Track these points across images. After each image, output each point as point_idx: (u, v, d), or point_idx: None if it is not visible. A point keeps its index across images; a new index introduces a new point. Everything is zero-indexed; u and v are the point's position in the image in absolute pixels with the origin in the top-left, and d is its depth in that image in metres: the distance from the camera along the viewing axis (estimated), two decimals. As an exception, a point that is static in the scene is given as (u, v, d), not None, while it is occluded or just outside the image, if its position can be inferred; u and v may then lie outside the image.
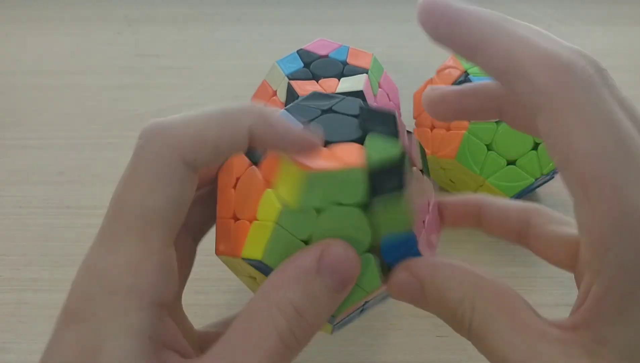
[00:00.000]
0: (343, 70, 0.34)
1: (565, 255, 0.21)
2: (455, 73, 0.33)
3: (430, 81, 0.35)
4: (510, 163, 0.32)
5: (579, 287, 0.18)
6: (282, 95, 0.33)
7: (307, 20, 0.56)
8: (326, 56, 0.35)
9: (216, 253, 0.21)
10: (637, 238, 0.15)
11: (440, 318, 0.19)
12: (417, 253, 0.20)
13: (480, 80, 0.31)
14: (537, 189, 0.37)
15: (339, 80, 0.33)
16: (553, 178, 0.35)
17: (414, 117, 0.36)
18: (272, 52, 0.50)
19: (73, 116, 0.44)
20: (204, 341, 0.22)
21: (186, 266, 0.23)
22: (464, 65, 0.33)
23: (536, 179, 0.32)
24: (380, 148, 0.19)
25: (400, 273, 0.19)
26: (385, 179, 0.19)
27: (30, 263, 0.34)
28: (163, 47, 0.51)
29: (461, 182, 0.35)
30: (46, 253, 0.34)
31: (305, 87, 0.32)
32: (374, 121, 0.20)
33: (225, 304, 0.31)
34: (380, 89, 0.35)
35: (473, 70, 0.33)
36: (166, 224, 0.18)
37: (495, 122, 0.31)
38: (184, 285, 0.23)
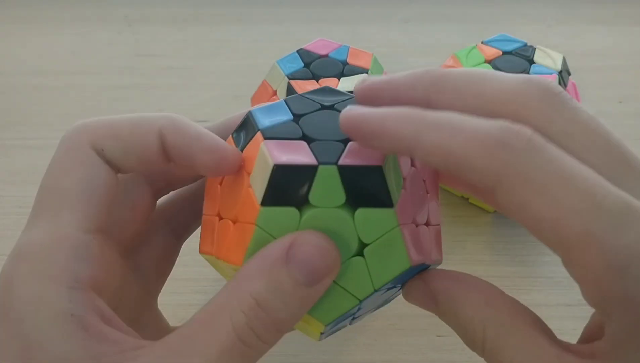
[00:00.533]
0: (343, 70, 0.34)
1: None
2: (455, 73, 0.33)
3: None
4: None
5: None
6: (282, 95, 0.33)
7: (307, 20, 0.56)
8: (326, 56, 0.35)
9: (199, 251, 0.21)
10: (633, 275, 0.15)
11: (462, 339, 0.19)
12: (425, 267, 0.19)
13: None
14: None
15: (339, 80, 0.33)
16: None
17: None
18: (272, 52, 0.50)
19: (73, 116, 0.44)
20: None
21: (166, 263, 0.23)
22: (464, 65, 0.33)
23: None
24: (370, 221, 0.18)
25: (416, 282, 0.19)
26: (368, 193, 0.18)
27: (30, 263, 0.34)
28: (163, 47, 0.51)
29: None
30: (46, 253, 0.34)
31: (305, 87, 0.32)
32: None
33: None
34: (380, 89, 0.35)
35: (473, 70, 0.33)
36: (78, 207, 0.18)
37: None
38: (163, 283, 0.23)
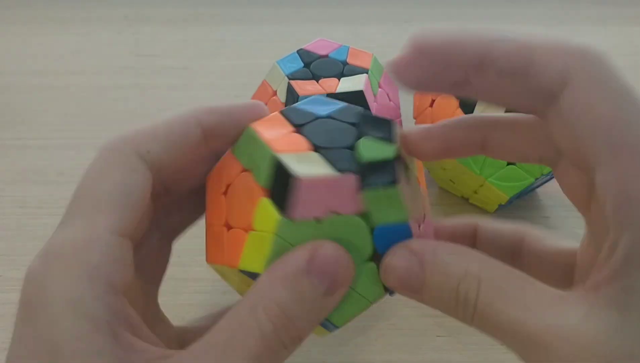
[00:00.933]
0: (343, 70, 0.34)
1: (561, 269, 0.20)
2: (455, 73, 0.33)
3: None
4: (510, 163, 0.32)
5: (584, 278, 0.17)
6: (282, 95, 0.33)
7: (307, 20, 0.56)
8: (326, 56, 0.35)
9: (207, 261, 0.21)
10: None
11: (439, 306, 0.18)
12: None
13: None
14: (537, 189, 0.37)
15: (339, 80, 0.33)
16: (553, 177, 0.35)
17: (414, 117, 0.36)
18: (272, 52, 0.50)
19: (73, 116, 0.44)
20: (183, 336, 0.22)
21: (162, 265, 0.23)
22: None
23: (536, 179, 0.32)
24: (372, 149, 0.18)
25: (399, 251, 0.18)
26: (376, 175, 0.18)
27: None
28: (163, 47, 0.51)
29: (461, 182, 0.35)
30: (46, 253, 0.34)
31: (305, 87, 0.32)
32: (371, 127, 0.19)
33: (225, 304, 0.31)
34: (380, 89, 0.35)
35: (473, 70, 0.33)
36: (115, 210, 0.18)
37: (495, 122, 0.31)
38: (160, 283, 0.23)
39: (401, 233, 0.18)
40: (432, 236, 0.21)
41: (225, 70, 0.49)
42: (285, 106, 0.33)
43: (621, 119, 0.16)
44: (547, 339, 0.16)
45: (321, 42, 0.36)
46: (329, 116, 0.20)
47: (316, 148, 0.18)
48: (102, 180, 0.18)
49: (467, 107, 0.31)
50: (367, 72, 0.34)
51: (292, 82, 0.32)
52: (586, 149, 0.16)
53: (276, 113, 0.20)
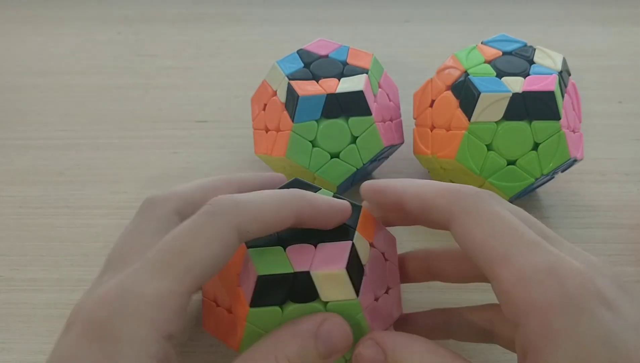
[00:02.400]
0: (343, 70, 0.34)
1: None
2: (455, 73, 0.33)
3: (430, 81, 0.35)
4: (510, 163, 0.32)
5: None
6: (282, 95, 0.33)
7: (307, 20, 0.56)
8: (326, 56, 0.35)
9: (203, 327, 0.26)
10: (538, 286, 0.20)
11: None
12: None
13: (481, 80, 0.31)
14: (537, 189, 0.37)
15: (339, 80, 0.33)
16: (553, 178, 0.35)
17: (414, 118, 0.36)
18: (272, 52, 0.50)
19: (73, 116, 0.44)
20: None
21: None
22: (464, 65, 0.33)
23: (536, 179, 0.32)
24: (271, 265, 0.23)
25: (367, 342, 0.23)
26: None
27: (30, 263, 0.34)
28: (163, 47, 0.51)
29: (461, 182, 0.35)
30: (46, 253, 0.34)
31: (305, 87, 0.32)
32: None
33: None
34: (380, 89, 0.35)
35: (473, 70, 0.33)
36: (200, 277, 0.21)
37: (496, 122, 0.31)
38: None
39: (350, 308, 0.23)
40: (396, 304, 0.26)
41: (225, 70, 0.49)
42: (285, 106, 0.33)
43: (489, 243, 0.21)
44: None
45: (321, 42, 0.36)
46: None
47: (283, 244, 0.24)
48: (202, 247, 0.21)
49: (467, 107, 0.31)
50: (367, 72, 0.34)
51: (292, 82, 0.32)
52: (480, 266, 0.21)
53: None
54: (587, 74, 0.47)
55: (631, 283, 0.32)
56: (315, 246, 0.24)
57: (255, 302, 0.23)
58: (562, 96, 0.32)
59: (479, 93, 0.31)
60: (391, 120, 0.35)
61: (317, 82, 0.33)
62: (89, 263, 0.33)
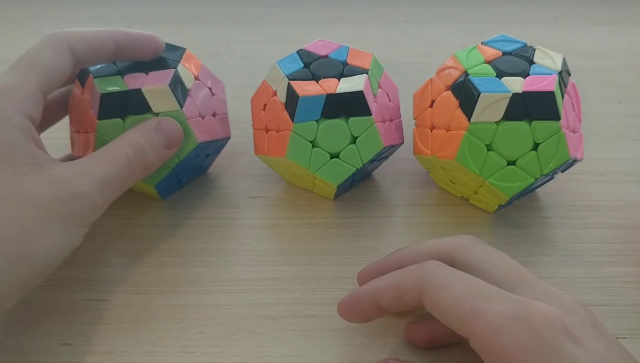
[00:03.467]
0: (343, 70, 0.34)
1: None
2: (455, 73, 0.33)
3: (430, 81, 0.35)
4: (510, 163, 0.32)
5: None
6: (282, 95, 0.33)
7: (307, 20, 0.56)
8: (326, 56, 0.35)
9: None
10: (508, 332, 0.22)
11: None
12: None
13: (481, 80, 0.31)
14: (537, 189, 0.37)
15: (339, 80, 0.33)
16: (553, 178, 0.35)
17: (414, 118, 0.36)
18: (272, 52, 0.50)
19: (73, 116, 0.44)
20: None
21: (51, 118, 0.36)
22: (464, 65, 0.33)
23: (536, 179, 0.32)
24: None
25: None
26: None
27: (30, 263, 0.34)
28: (163, 47, 0.51)
29: (461, 182, 0.35)
30: (46, 253, 0.34)
31: (305, 88, 0.32)
32: None
33: (225, 304, 0.31)
34: (380, 89, 0.35)
35: (473, 70, 0.32)
36: (42, 74, 0.29)
37: (495, 122, 0.31)
38: (45, 129, 0.36)
39: (177, 117, 0.33)
40: (224, 126, 0.37)
41: (225, 70, 0.49)
42: (285, 106, 0.33)
43: (458, 304, 0.23)
44: None
45: (321, 42, 0.36)
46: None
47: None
48: (40, 55, 0.29)
49: (467, 107, 0.31)
50: (367, 73, 0.34)
51: (292, 82, 0.32)
52: (455, 328, 0.24)
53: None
54: (587, 74, 0.47)
55: (631, 283, 0.32)
56: (147, 74, 0.32)
57: (101, 116, 0.31)
58: (562, 96, 0.32)
59: (479, 93, 0.31)
60: (391, 120, 0.35)
61: (317, 82, 0.33)
62: (89, 263, 0.33)
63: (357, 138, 0.33)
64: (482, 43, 0.35)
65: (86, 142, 0.33)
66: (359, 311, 0.27)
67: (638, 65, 0.49)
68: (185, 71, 0.34)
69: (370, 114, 0.32)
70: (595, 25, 0.54)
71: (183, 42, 0.37)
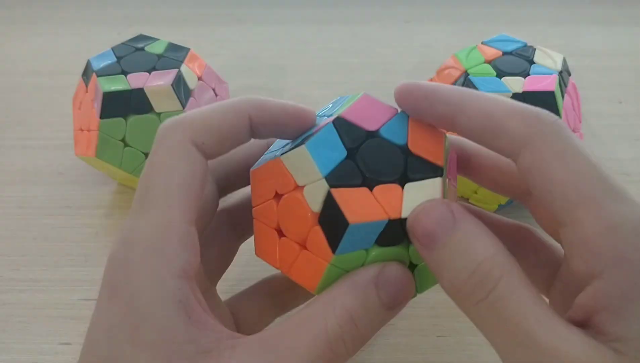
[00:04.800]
0: (406, 166, 0.21)
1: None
2: (456, 73, 0.33)
3: (430, 81, 0.35)
4: (511, 163, 0.32)
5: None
6: (313, 201, 0.25)
7: (307, 20, 0.56)
8: (376, 133, 0.22)
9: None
10: (628, 238, 0.17)
11: (445, 272, 0.19)
12: None
13: (480, 80, 0.31)
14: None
15: (402, 187, 0.21)
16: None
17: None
18: (272, 52, 0.50)
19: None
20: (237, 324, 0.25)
21: (226, 259, 0.26)
22: (464, 65, 0.33)
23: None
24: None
25: (438, 203, 0.19)
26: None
27: (30, 263, 0.34)
28: (163, 47, 0.51)
29: (461, 182, 0.35)
30: (46, 253, 0.34)
31: (356, 206, 0.20)
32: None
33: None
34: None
35: (473, 70, 0.33)
36: (184, 200, 0.19)
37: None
38: (221, 274, 0.25)
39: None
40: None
41: (225, 70, 0.49)
42: (320, 221, 0.21)
43: (572, 182, 0.18)
44: (554, 355, 0.17)
45: (365, 100, 0.22)
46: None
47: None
48: (170, 173, 0.20)
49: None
50: (441, 173, 0.21)
51: (336, 192, 0.20)
52: (547, 207, 0.18)
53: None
54: (587, 74, 0.47)
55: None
56: (150, 73, 0.33)
57: (103, 114, 0.31)
58: (562, 96, 0.32)
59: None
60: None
61: (371, 190, 0.20)
62: (89, 263, 0.33)
63: (416, 265, 0.22)
64: (482, 43, 0.35)
65: (88, 140, 0.33)
66: (425, 110, 0.20)
67: (638, 65, 0.49)
68: (189, 71, 0.34)
69: None
70: (595, 25, 0.54)
71: (183, 42, 0.37)
